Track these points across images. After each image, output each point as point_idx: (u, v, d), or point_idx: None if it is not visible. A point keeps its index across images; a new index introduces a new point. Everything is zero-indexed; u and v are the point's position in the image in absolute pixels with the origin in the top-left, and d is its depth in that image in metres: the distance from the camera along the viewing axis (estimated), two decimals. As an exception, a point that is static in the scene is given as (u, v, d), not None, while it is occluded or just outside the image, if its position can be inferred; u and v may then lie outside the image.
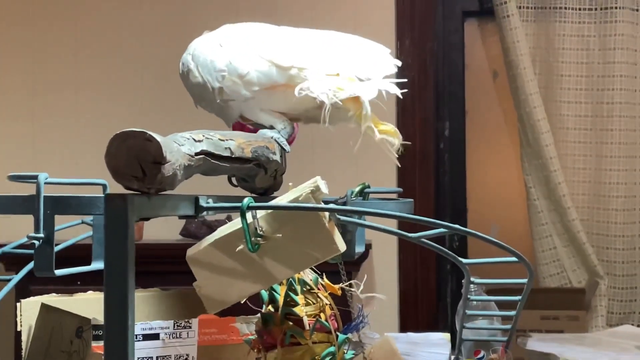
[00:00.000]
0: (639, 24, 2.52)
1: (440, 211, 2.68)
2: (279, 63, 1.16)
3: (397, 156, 1.15)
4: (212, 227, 2.28)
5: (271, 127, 1.19)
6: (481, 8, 2.69)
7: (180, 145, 0.85)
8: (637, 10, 2.51)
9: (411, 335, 1.60)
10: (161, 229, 2.45)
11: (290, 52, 1.17)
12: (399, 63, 1.20)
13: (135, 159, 0.77)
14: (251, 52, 1.17)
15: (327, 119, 1.11)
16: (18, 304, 1.24)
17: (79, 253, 1.12)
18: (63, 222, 1.12)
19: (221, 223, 2.09)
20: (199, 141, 0.91)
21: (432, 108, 2.64)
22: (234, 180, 1.19)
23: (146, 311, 1.28)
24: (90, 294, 1.29)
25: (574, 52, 2.54)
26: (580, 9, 2.54)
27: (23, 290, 1.52)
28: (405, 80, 1.19)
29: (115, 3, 2.71)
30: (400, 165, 1.20)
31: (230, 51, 1.17)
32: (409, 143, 1.20)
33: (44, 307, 1.22)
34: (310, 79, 1.14)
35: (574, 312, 2.36)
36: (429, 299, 2.63)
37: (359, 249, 1.19)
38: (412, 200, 1.25)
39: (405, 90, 1.19)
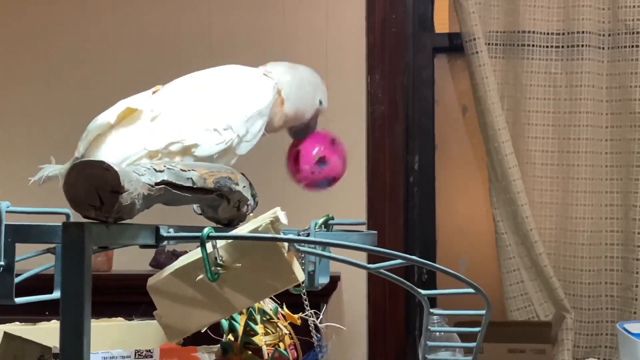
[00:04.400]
0: (604, 62, 2.56)
1: (409, 244, 2.70)
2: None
3: None
4: (181, 258, 2.29)
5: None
6: (451, 44, 2.73)
7: (140, 175, 0.87)
8: (603, 48, 2.56)
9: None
10: (132, 260, 2.46)
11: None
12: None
13: (93, 188, 0.79)
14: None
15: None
16: (-19, 333, 1.24)
17: (44, 283, 1.13)
18: (29, 251, 1.13)
19: (190, 254, 2.09)
20: (160, 171, 0.93)
21: (402, 142, 2.67)
22: (196, 207, 1.21)
23: (109, 341, 1.29)
24: (53, 322, 1.29)
25: (541, 88, 2.58)
26: (547, 47, 2.59)
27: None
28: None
29: (89, 35, 2.73)
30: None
31: None
32: None
33: (6, 336, 1.22)
34: None
35: (540, 345, 2.38)
36: (397, 331, 2.64)
37: (323, 280, 1.19)
38: (376, 232, 1.26)
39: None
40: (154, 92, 1.36)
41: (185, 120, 1.31)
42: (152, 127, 1.28)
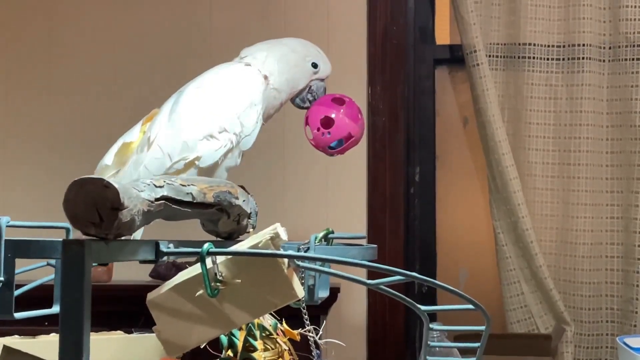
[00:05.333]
0: (605, 75, 2.56)
1: (409, 255, 2.69)
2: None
3: None
4: (181, 269, 2.28)
5: None
6: (452, 56, 2.73)
7: (139, 191, 0.87)
8: (603, 61, 2.56)
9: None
10: (131, 271, 2.45)
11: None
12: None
13: (93, 205, 0.79)
14: None
15: None
16: (-20, 346, 1.24)
17: (44, 294, 1.12)
18: (29, 264, 1.13)
19: (191, 265, 2.09)
20: (160, 187, 0.93)
21: (403, 153, 2.67)
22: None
23: (108, 355, 1.28)
24: (52, 336, 1.29)
25: (542, 100, 2.58)
26: (548, 59, 2.59)
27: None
28: None
29: (89, 43, 2.73)
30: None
31: None
32: None
33: (6, 349, 1.22)
34: None
35: (540, 358, 2.38)
36: (397, 344, 2.63)
37: (323, 294, 1.19)
38: (376, 246, 1.26)
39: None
40: (147, 119, 1.37)
41: (181, 135, 1.32)
42: (152, 153, 1.29)
